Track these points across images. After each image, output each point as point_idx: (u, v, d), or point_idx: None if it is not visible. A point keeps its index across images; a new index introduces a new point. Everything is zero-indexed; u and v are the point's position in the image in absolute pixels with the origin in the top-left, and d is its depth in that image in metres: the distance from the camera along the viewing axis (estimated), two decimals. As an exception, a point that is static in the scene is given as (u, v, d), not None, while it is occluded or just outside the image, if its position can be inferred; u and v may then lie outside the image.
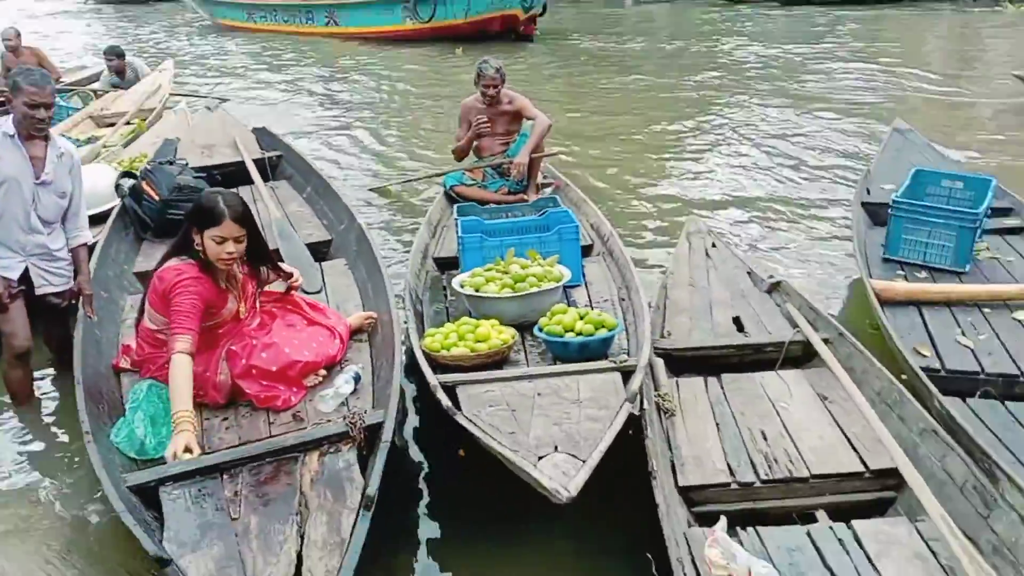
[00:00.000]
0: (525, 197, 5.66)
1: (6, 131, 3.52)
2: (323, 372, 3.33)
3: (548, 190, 5.80)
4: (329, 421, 2.99)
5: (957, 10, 18.70)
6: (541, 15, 15.96)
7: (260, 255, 3.34)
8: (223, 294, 3.19)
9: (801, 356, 3.58)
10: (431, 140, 8.71)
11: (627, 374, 3.03)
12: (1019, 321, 3.74)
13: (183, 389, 2.90)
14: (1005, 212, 4.96)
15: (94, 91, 8.89)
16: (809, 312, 3.76)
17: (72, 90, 9.04)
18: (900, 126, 6.36)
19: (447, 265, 4.58)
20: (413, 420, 3.79)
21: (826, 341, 3.51)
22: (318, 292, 4.17)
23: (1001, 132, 8.51)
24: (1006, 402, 3.10)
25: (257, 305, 3.44)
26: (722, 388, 3.32)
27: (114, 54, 9.05)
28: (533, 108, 5.83)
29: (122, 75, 8.96)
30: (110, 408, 3.17)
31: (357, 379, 3.22)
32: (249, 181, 5.66)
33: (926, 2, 19.43)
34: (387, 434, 2.75)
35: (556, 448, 2.60)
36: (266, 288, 3.55)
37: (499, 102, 5.80)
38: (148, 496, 2.69)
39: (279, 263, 3.62)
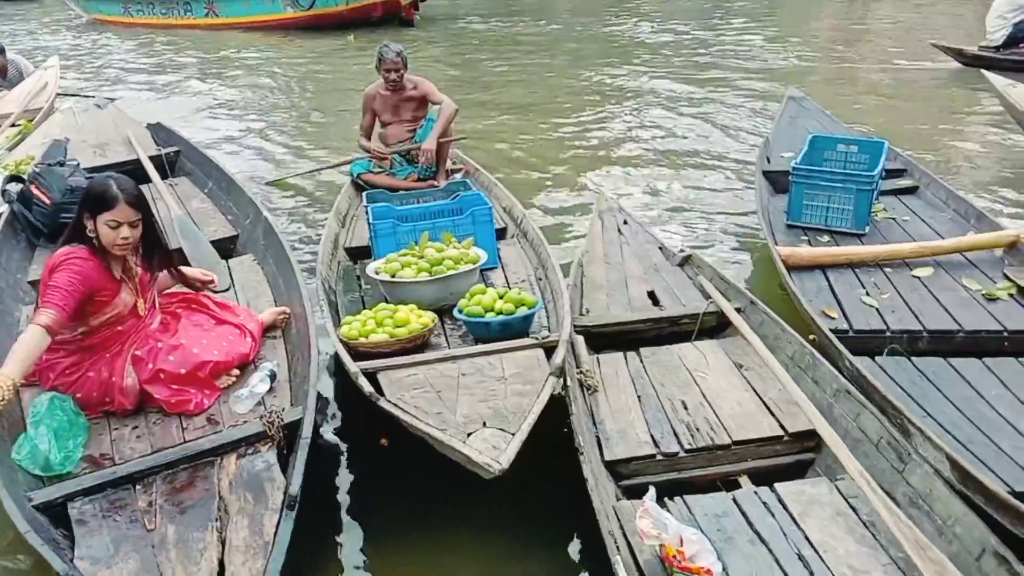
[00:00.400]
0: (435, 183, 5.59)
1: None
2: (236, 372, 3.21)
3: (458, 175, 5.75)
4: (246, 422, 2.89)
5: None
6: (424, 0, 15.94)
7: (154, 244, 3.18)
8: (115, 283, 3.02)
9: (716, 326, 3.64)
10: (334, 129, 8.54)
11: (549, 350, 3.03)
12: (918, 278, 3.88)
13: (19, 354, 2.68)
14: (898, 173, 5.16)
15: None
16: (720, 283, 3.83)
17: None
18: (794, 94, 6.54)
19: (359, 255, 4.49)
20: (337, 414, 3.71)
21: (738, 310, 3.58)
22: (226, 290, 4.02)
23: (887, 96, 8.88)
24: (912, 358, 3.22)
25: (156, 302, 3.29)
26: (641, 362, 3.35)
27: None
28: (439, 93, 5.75)
29: (3, 73, 8.43)
30: (10, 425, 2.98)
31: (272, 377, 3.13)
32: (147, 180, 5.42)
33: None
34: (307, 431, 2.68)
35: (484, 424, 2.59)
36: (170, 290, 3.41)
37: (403, 88, 5.70)
38: (56, 514, 2.55)
39: (184, 267, 3.48)
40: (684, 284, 3.97)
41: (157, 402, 3.03)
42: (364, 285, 4.05)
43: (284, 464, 2.65)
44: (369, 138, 5.88)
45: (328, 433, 3.57)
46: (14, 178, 4.89)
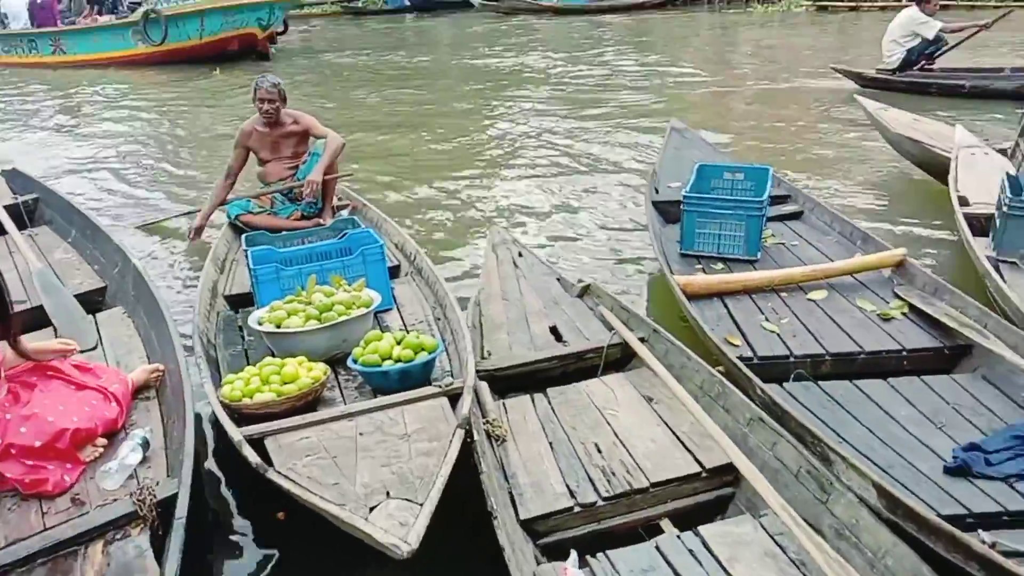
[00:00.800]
0: (321, 221, 5.34)
1: None
2: (103, 441, 2.87)
3: (345, 212, 5.52)
4: (115, 500, 2.55)
5: (712, 10, 20.24)
6: (281, 33, 16.09)
7: None
8: None
9: (621, 359, 3.53)
10: (207, 168, 8.10)
11: (454, 397, 2.83)
12: (814, 301, 3.91)
13: None
14: (783, 199, 5.26)
15: None
16: (622, 312, 3.74)
17: None
18: (676, 125, 6.63)
19: (240, 303, 4.18)
20: (222, 482, 3.35)
21: (642, 340, 3.49)
22: (94, 348, 3.66)
23: (759, 119, 9.18)
24: (818, 382, 3.20)
25: (1, 372, 2.92)
26: (550, 403, 3.18)
27: None
28: (322, 127, 5.52)
29: None
30: None
31: (145, 445, 2.79)
32: (3, 231, 4.95)
33: (685, 7, 20.89)
34: (182, 509, 2.37)
35: (388, 494, 2.34)
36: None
37: (281, 123, 5.45)
38: None
39: (36, 344, 3.09)
40: (585, 316, 3.85)
41: (10, 483, 2.65)
42: (247, 337, 3.75)
43: (160, 548, 2.34)
44: (233, 180, 5.57)
45: (213, 506, 3.20)
46: None
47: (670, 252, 4.54)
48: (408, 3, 24.63)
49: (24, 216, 5.24)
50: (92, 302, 4.17)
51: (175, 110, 11.28)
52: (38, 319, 3.93)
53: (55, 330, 3.84)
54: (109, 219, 6.37)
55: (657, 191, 5.34)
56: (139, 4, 16.37)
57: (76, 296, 4.11)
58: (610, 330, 3.62)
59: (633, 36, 16.72)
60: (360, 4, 24.96)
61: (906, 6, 10.33)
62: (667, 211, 5.05)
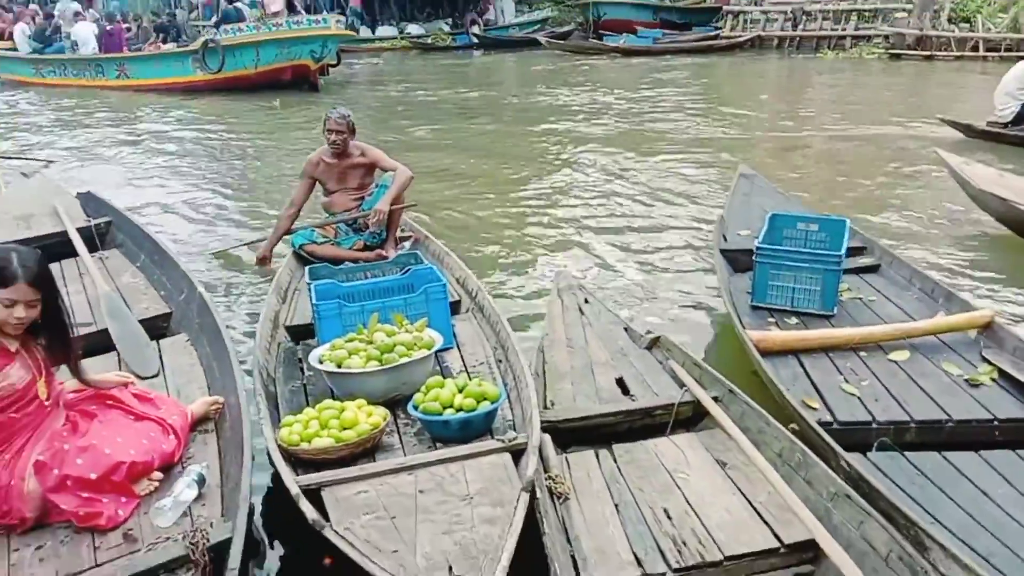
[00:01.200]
0: (383, 253, 5.34)
1: None
2: (159, 475, 2.82)
3: (407, 244, 5.50)
4: (168, 538, 2.49)
5: (782, 55, 20.04)
6: (334, 65, 16.68)
7: (54, 329, 2.80)
8: (7, 354, 2.66)
9: (692, 417, 3.36)
10: (272, 196, 8.18)
11: (516, 452, 2.71)
12: (895, 362, 3.71)
13: None
14: (858, 251, 5.05)
15: None
16: (694, 368, 3.57)
17: None
18: (745, 171, 6.47)
19: (302, 334, 4.15)
20: (272, 520, 3.24)
21: (716, 399, 3.31)
22: (155, 376, 3.63)
23: (831, 167, 8.93)
24: (904, 452, 3.00)
25: (60, 398, 2.89)
26: (615, 461, 3.02)
27: None
28: (390, 160, 5.55)
29: None
30: None
31: (201, 481, 2.74)
32: (74, 253, 5.01)
33: (753, 50, 20.73)
34: (235, 558, 2.28)
35: (451, 569, 2.22)
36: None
37: (349, 154, 5.50)
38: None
39: (95, 376, 3.07)
40: (654, 369, 3.69)
41: (65, 515, 2.61)
42: (307, 372, 3.70)
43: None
44: (298, 210, 5.60)
45: (256, 537, 3.09)
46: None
47: (740, 303, 4.37)
48: (476, 40, 24.93)
49: (96, 239, 5.31)
50: (156, 328, 4.17)
51: (237, 139, 11.47)
52: (103, 343, 3.93)
53: (119, 355, 3.84)
54: (177, 244, 6.44)
55: (725, 238, 5.18)
56: (199, 30, 17.29)
57: (141, 321, 4.12)
58: (681, 386, 3.47)
59: (698, 78, 16.58)
60: (429, 40, 25.35)
61: (1014, 58, 9.87)
62: (736, 259, 4.89)
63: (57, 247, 5.06)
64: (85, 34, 17.46)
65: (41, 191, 6.22)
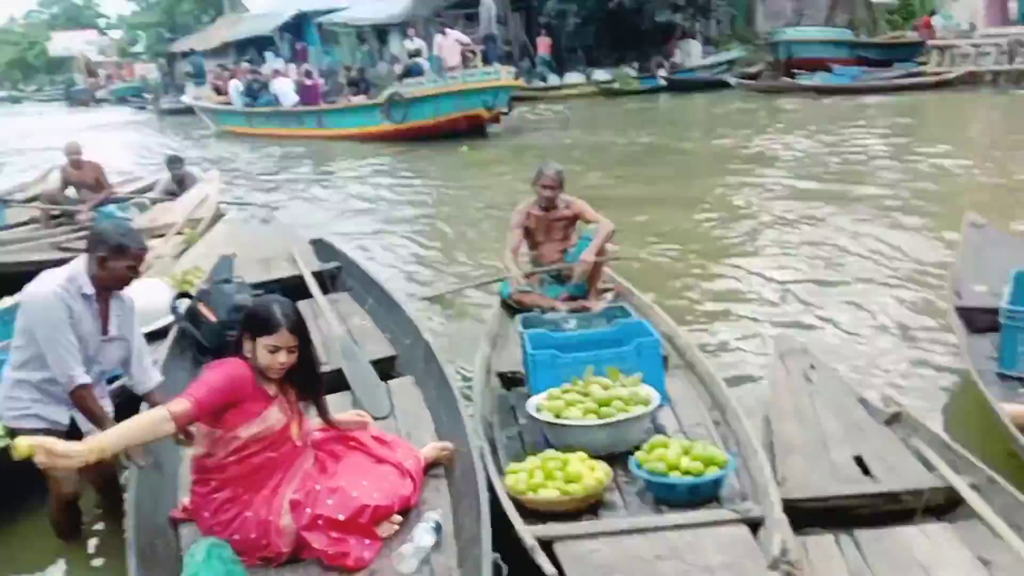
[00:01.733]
0: (587, 304, 5.40)
1: (85, 291, 3.31)
2: (398, 518, 2.98)
3: (609, 295, 5.55)
4: (408, 583, 2.63)
5: (998, 91, 18.59)
6: (506, 113, 17.71)
7: (307, 370, 3.06)
8: (267, 398, 2.92)
9: (943, 504, 3.07)
10: (474, 242, 8.50)
11: (752, 525, 2.63)
12: None
13: (126, 427, 2.73)
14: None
15: (152, 199, 8.86)
16: (945, 451, 3.25)
17: (130, 198, 9.00)
18: (975, 220, 6.01)
19: (512, 382, 4.27)
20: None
21: (974, 487, 3.00)
22: (386, 417, 3.86)
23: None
24: None
25: (307, 427, 3.15)
26: (859, 550, 2.78)
27: (177, 162, 9.17)
28: (594, 212, 5.64)
29: (183, 183, 8.93)
30: (169, 571, 2.81)
31: (438, 529, 2.86)
32: (308, 295, 5.46)
33: (963, 86, 19.38)
34: None
35: None
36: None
37: (556, 207, 5.63)
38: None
39: (338, 416, 3.32)
40: (896, 448, 3.40)
41: (315, 552, 2.82)
42: (520, 420, 3.80)
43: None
44: (515, 257, 5.75)
45: None
46: (183, 294, 4.99)
47: (984, 370, 4.00)
48: (663, 83, 24.87)
49: (328, 282, 5.75)
50: (384, 369, 4.42)
51: (431, 185, 12.25)
52: (337, 382, 4.20)
53: (352, 394, 4.09)
54: (398, 289, 6.82)
55: (959, 295, 4.84)
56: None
57: (371, 362, 4.38)
58: (928, 468, 3.19)
59: (903, 117, 15.70)
60: (615, 85, 25.52)
61: None
62: (973, 318, 4.51)
63: (293, 289, 5.50)
64: (284, 89, 19.98)
65: (277, 236, 6.87)
